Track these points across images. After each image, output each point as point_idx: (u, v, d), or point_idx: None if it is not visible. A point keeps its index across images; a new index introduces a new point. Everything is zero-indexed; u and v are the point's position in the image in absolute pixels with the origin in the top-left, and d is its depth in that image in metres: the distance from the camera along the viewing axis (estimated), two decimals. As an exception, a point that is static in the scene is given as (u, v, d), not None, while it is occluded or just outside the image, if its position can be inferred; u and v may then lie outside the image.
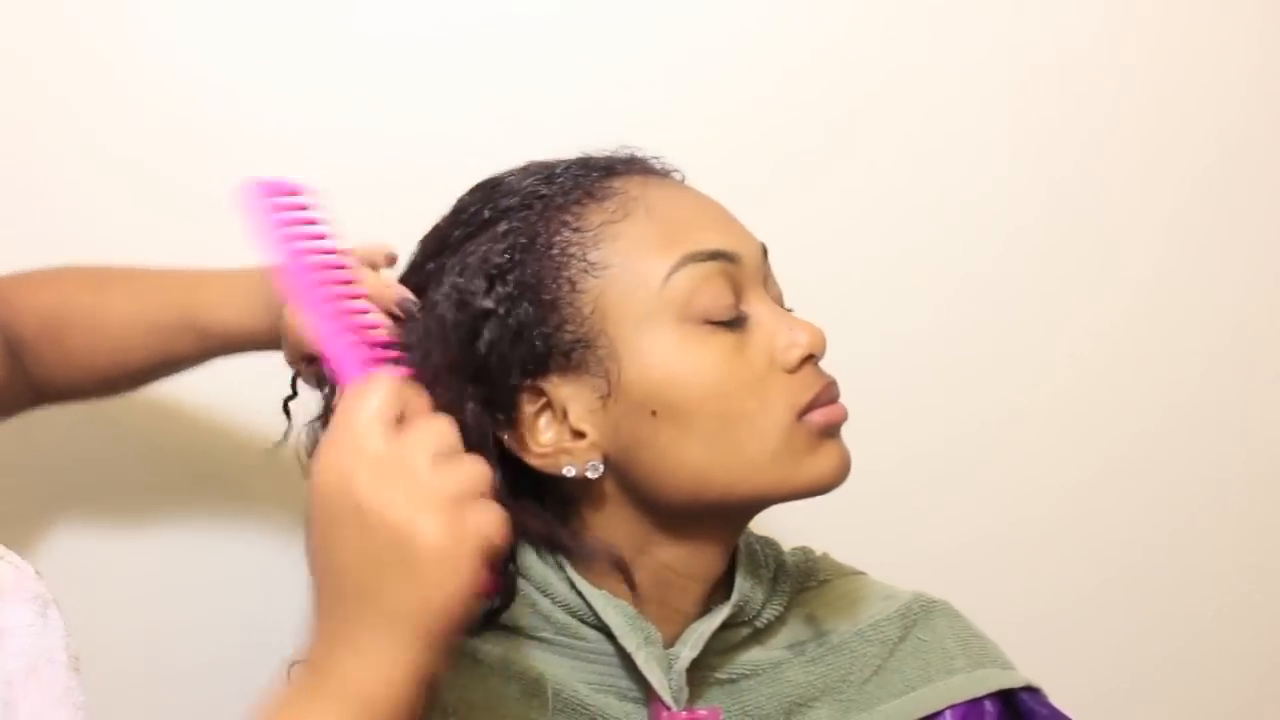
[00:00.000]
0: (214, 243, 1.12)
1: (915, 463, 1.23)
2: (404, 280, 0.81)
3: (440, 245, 0.80)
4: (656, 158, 0.82)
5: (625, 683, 0.78)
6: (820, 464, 0.76)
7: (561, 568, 0.78)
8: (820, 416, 0.75)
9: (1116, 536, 1.30)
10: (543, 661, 0.77)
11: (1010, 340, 1.27)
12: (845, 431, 0.78)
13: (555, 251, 0.75)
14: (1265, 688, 1.33)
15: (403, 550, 0.58)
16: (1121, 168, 1.27)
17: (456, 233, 0.79)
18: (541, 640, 0.78)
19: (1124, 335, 1.29)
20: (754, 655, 0.81)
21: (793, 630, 0.83)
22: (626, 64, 1.17)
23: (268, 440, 0.89)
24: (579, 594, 0.77)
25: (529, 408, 0.76)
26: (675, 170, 0.83)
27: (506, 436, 0.75)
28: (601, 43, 1.17)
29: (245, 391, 1.01)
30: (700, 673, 0.78)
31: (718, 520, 0.78)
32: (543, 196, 0.78)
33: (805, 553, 0.89)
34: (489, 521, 0.60)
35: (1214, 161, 1.28)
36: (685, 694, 0.77)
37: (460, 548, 0.59)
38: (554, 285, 0.75)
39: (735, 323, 0.75)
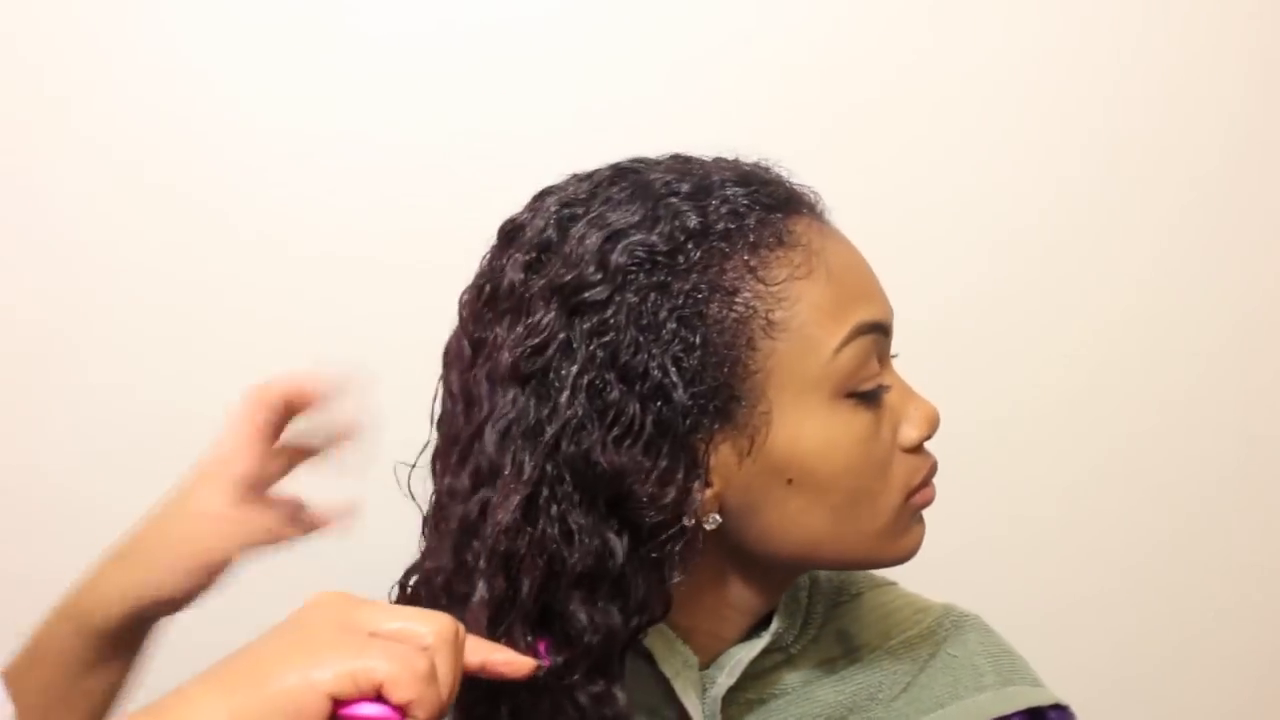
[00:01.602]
0: (213, 242, 1.13)
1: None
2: (513, 218, 0.75)
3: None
4: (810, 187, 0.77)
5: (656, 702, 0.78)
6: (908, 542, 0.77)
7: None
8: (920, 499, 0.76)
9: (1117, 537, 1.30)
10: None
11: (1008, 340, 1.27)
12: None
13: (739, 302, 0.71)
14: (1265, 688, 1.33)
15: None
16: (1121, 168, 1.27)
17: (610, 210, 0.72)
18: None
19: (1123, 335, 1.29)
20: (784, 675, 0.81)
21: (824, 647, 0.83)
22: (627, 64, 1.17)
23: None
24: None
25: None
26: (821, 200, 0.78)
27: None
28: (602, 43, 1.17)
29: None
30: (731, 694, 0.78)
31: (795, 574, 0.79)
32: (733, 230, 0.72)
33: None
34: (390, 655, 0.55)
35: (1215, 162, 1.28)
36: (718, 719, 0.77)
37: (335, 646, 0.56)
38: (732, 338, 0.71)
39: (874, 398, 0.74)
